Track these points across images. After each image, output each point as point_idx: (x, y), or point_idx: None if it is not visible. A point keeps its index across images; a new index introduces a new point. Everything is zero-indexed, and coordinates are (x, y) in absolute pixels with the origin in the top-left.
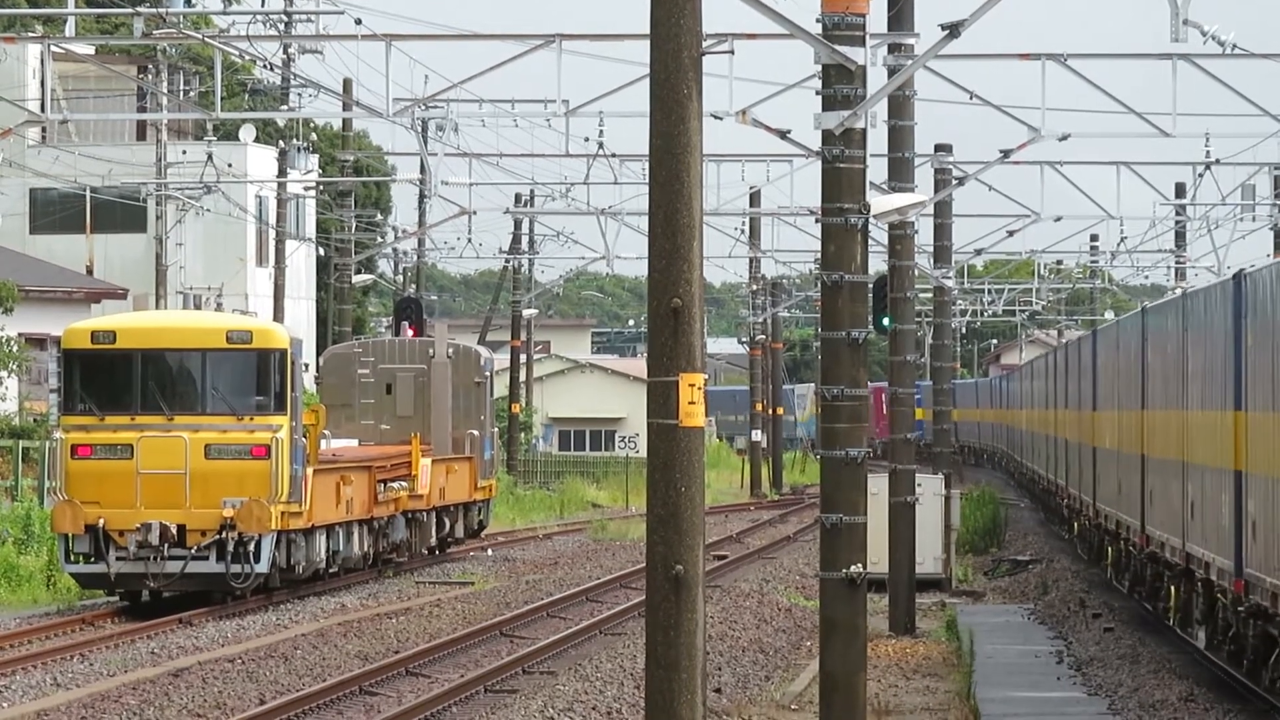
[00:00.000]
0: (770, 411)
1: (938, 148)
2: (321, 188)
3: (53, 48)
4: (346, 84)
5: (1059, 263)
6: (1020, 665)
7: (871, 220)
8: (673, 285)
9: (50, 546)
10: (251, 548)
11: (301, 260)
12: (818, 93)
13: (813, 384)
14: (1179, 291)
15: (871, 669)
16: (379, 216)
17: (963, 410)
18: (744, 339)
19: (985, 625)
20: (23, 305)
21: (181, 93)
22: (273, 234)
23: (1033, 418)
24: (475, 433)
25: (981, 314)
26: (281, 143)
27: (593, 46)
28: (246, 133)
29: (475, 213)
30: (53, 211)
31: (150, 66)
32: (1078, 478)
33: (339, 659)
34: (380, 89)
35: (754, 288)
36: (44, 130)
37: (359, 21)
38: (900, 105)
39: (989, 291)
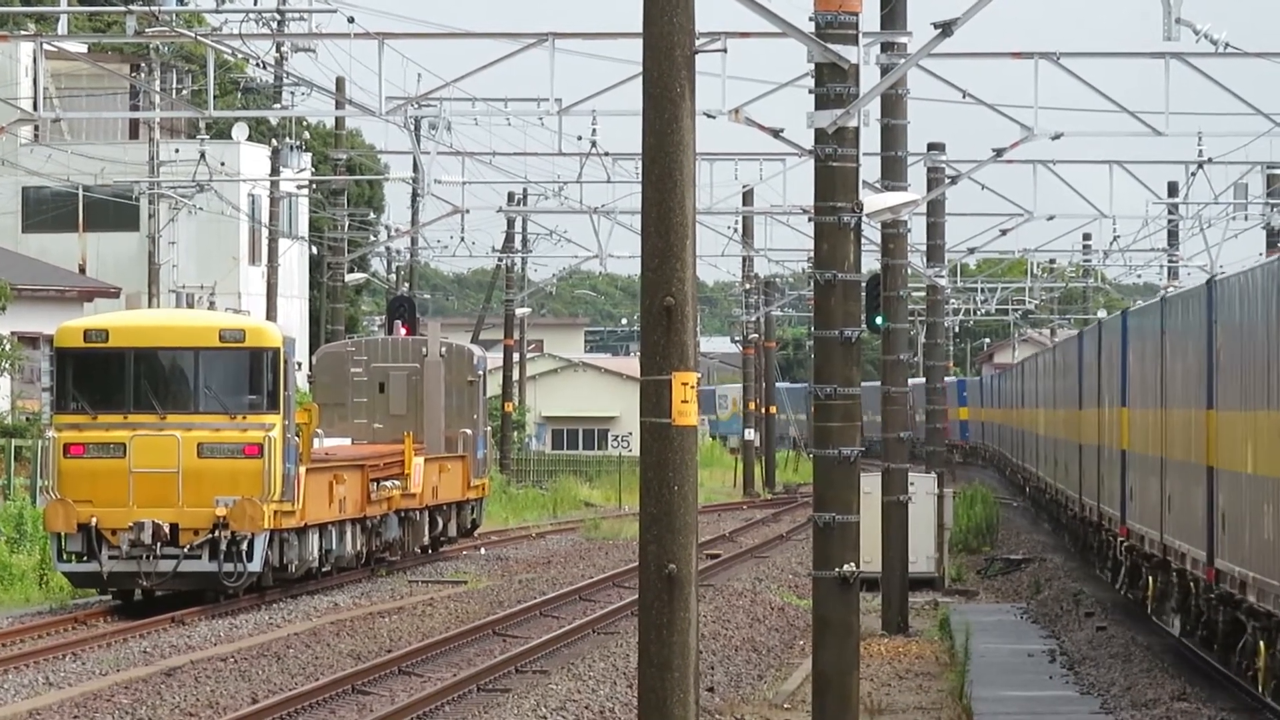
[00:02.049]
0: (763, 410)
1: (930, 146)
2: (314, 186)
3: (45, 46)
4: (339, 82)
5: (1052, 262)
6: (1013, 664)
7: (865, 219)
8: (666, 284)
9: (42, 545)
10: (244, 546)
11: (294, 259)
12: (811, 91)
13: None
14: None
15: (864, 668)
16: (372, 215)
17: (983, 410)
18: (737, 338)
19: (978, 624)
20: (15, 304)
21: (174, 91)
22: (265, 232)
23: (1054, 420)
24: (468, 431)
25: (974, 313)
26: (274, 141)
27: (586, 45)
28: (239, 131)
29: (468, 211)
30: (45, 210)
31: (143, 65)
32: (1152, 510)
33: (332, 658)
34: (373, 87)
35: (747, 286)
36: (36, 128)
37: (351, 20)
38: (893, 104)
39: (982, 290)
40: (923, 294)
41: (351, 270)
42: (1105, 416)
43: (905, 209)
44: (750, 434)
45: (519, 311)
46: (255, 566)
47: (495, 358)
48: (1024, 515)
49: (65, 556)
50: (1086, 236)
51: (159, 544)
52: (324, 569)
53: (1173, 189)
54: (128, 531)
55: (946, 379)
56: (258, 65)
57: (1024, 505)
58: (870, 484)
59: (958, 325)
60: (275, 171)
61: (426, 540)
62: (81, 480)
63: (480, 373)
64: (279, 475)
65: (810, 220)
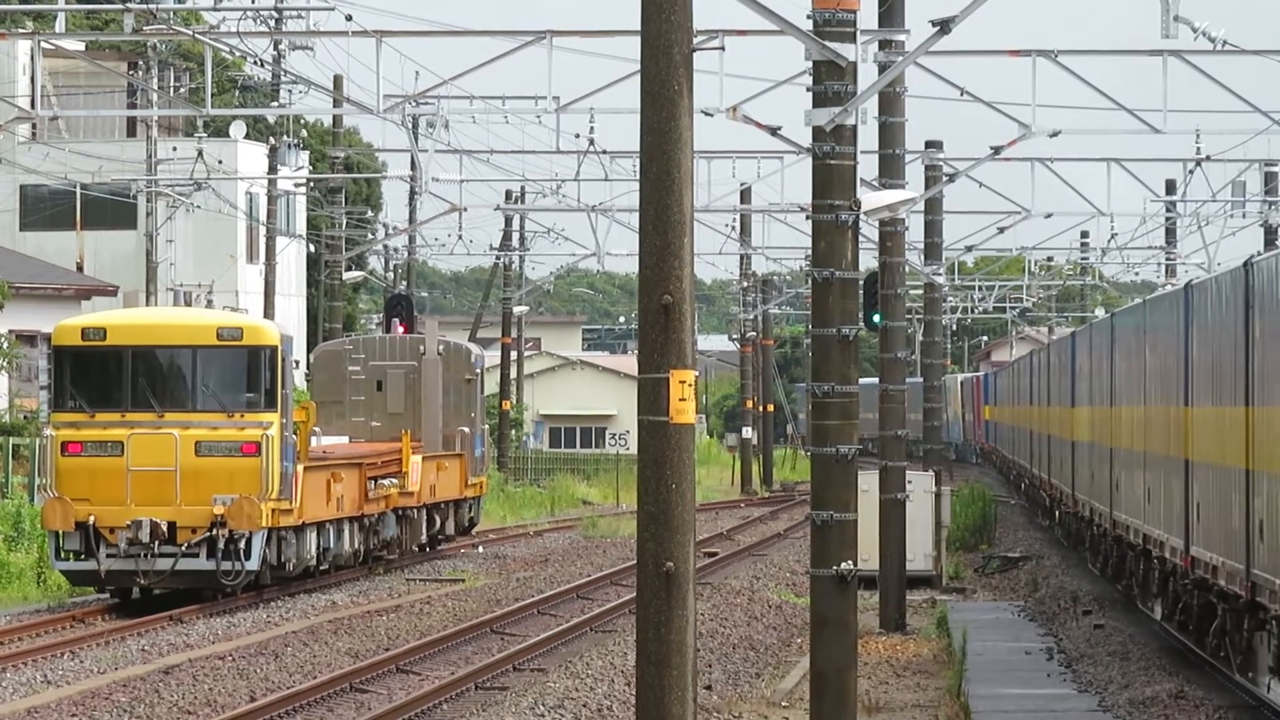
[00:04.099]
0: (761, 408)
1: (928, 144)
2: (312, 184)
3: (43, 44)
4: (337, 80)
5: (1049, 259)
6: (1010, 662)
7: (862, 217)
8: (663, 282)
9: (40, 544)
10: (242, 545)
11: (292, 257)
12: (808, 89)
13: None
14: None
15: (862, 666)
16: (370, 213)
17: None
18: (734, 336)
19: (975, 622)
20: (13, 302)
21: (172, 89)
22: (263, 231)
23: (1117, 422)
24: (466, 430)
25: (972, 311)
26: (272, 139)
27: (583, 43)
28: (237, 129)
29: (466, 209)
30: (43, 208)
31: (140, 63)
32: None
33: (329, 656)
34: (371, 85)
35: (745, 284)
36: (34, 126)
37: (349, 18)
38: (891, 102)
39: (979, 288)
40: (920, 292)
41: (349, 268)
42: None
43: (903, 207)
44: (748, 432)
45: (517, 310)
46: (253, 565)
47: (493, 356)
48: (1020, 513)
49: (63, 555)
50: (1084, 234)
51: (157, 542)
52: (322, 567)
53: (1171, 187)
54: (125, 530)
55: (975, 373)
56: (255, 63)
57: (1056, 534)
58: (868, 482)
59: (955, 323)
60: (273, 170)
61: (424, 538)
62: (79, 478)
63: (478, 371)
64: (277, 473)
65: (808, 218)
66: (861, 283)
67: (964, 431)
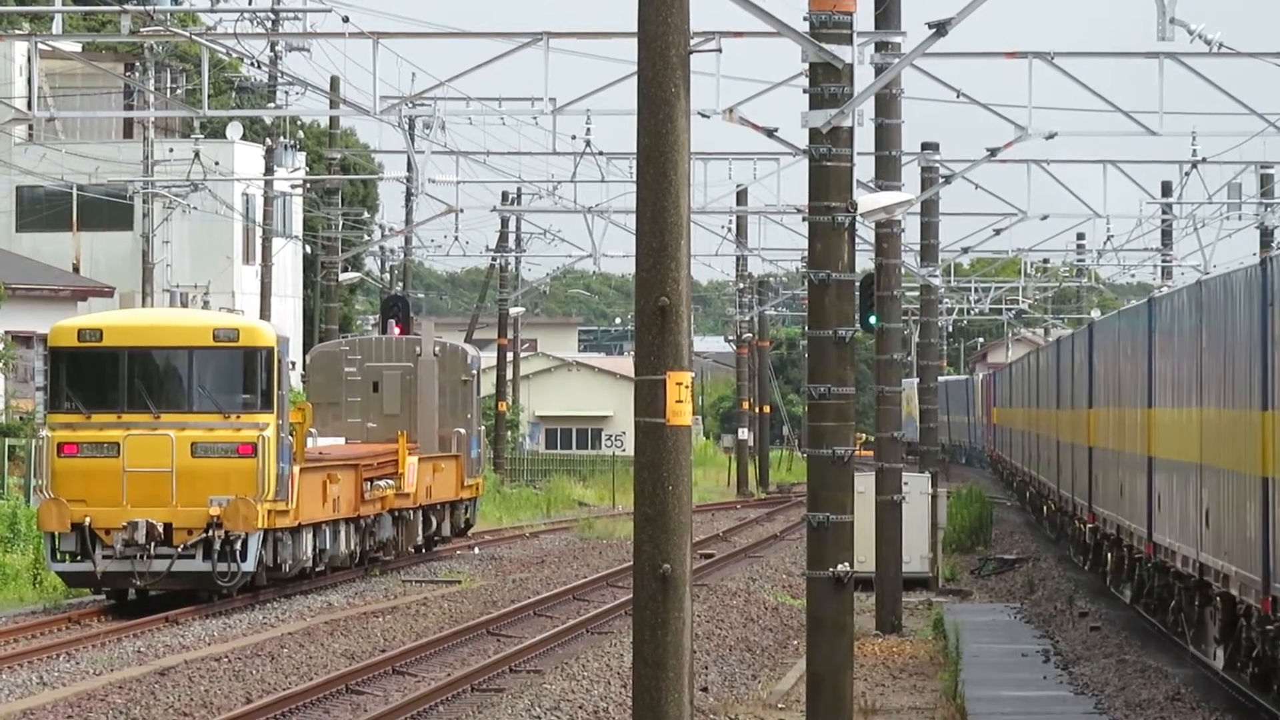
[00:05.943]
0: (757, 409)
1: (924, 146)
2: (308, 185)
3: (39, 45)
4: (334, 82)
5: (1045, 261)
6: (1007, 664)
7: (859, 219)
8: (660, 284)
9: (36, 545)
10: (238, 546)
11: (288, 258)
12: (805, 91)
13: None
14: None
15: (858, 668)
16: (366, 214)
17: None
18: (731, 337)
19: (972, 624)
20: (9, 303)
21: (168, 90)
22: (259, 232)
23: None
24: (462, 431)
25: (968, 312)
26: (268, 140)
27: (580, 44)
28: (233, 130)
29: (462, 210)
30: (39, 209)
31: (137, 64)
32: None
33: (325, 658)
34: (367, 87)
35: (741, 286)
36: (31, 127)
37: (346, 19)
38: (887, 103)
39: (975, 290)
40: (917, 294)
41: (345, 269)
42: None
43: (899, 209)
44: (744, 433)
45: (513, 311)
46: (249, 566)
47: (489, 357)
48: (1016, 513)
49: (59, 556)
50: (1080, 236)
51: (153, 543)
52: (318, 568)
53: (1166, 189)
54: (121, 531)
55: (981, 373)
56: (252, 65)
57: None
58: (864, 483)
59: (951, 325)
60: (269, 171)
61: (420, 540)
62: (75, 480)
63: (474, 372)
64: (273, 475)
65: (804, 220)
66: (858, 284)
67: (984, 436)
